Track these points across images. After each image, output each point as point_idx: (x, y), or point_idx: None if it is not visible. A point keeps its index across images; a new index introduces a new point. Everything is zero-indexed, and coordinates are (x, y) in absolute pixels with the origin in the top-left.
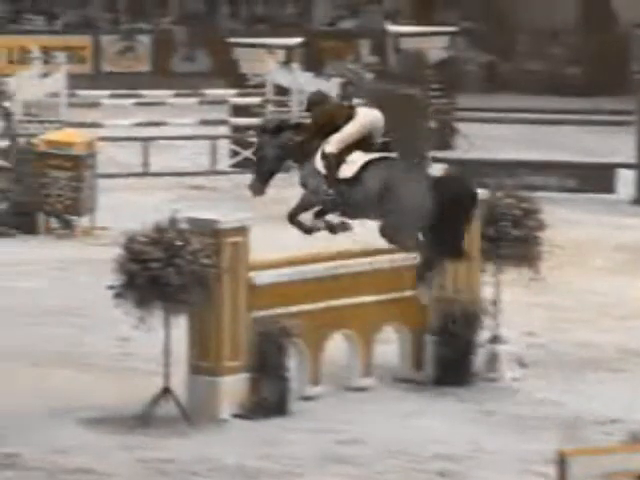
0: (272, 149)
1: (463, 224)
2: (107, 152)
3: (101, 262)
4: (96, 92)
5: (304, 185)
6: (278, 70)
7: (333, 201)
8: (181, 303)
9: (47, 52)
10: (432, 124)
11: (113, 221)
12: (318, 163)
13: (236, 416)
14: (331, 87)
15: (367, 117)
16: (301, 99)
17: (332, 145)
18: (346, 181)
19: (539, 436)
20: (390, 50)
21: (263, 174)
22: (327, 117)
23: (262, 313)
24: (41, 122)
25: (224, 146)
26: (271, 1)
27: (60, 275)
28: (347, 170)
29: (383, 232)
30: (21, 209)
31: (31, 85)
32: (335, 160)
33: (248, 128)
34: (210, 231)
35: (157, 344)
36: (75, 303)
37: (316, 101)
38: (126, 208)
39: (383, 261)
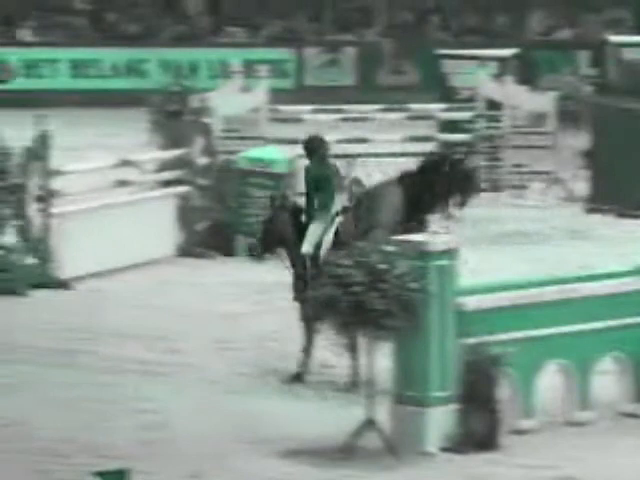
0: (284, 227)
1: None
2: None
3: None
4: (298, 107)
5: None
6: (490, 83)
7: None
8: (385, 329)
9: (249, 66)
10: None
11: None
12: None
13: (444, 449)
14: (547, 101)
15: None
16: (514, 114)
17: (307, 245)
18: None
19: None
20: (611, 61)
21: (267, 245)
22: (314, 182)
23: (471, 340)
24: (241, 138)
25: None
26: (482, 11)
27: (259, 299)
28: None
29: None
30: (220, 229)
31: (232, 100)
32: (311, 258)
33: (458, 145)
34: (417, 253)
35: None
36: (275, 328)
37: (314, 148)
38: None
39: (601, 287)
